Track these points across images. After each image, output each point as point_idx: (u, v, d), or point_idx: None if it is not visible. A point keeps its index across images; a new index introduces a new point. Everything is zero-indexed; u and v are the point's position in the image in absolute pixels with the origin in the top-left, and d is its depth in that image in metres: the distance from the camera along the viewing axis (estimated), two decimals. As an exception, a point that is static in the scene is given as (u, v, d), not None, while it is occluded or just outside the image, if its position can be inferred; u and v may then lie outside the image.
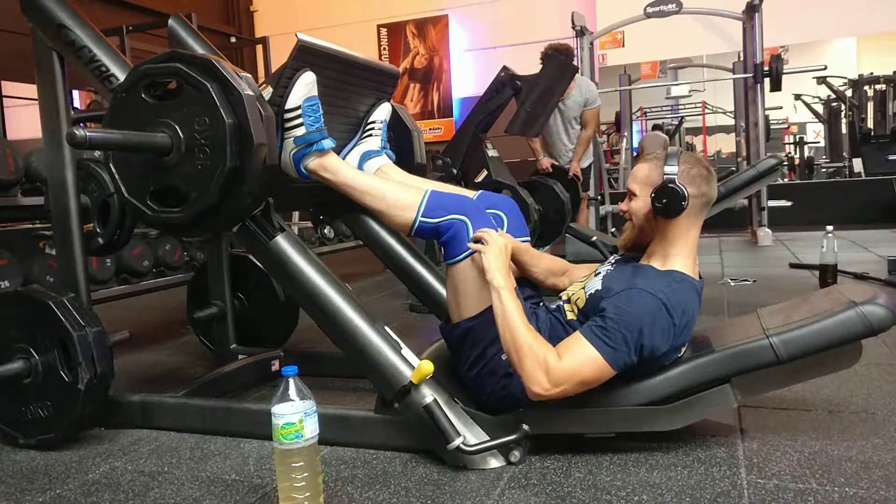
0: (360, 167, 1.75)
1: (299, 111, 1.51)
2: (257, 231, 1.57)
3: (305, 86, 1.52)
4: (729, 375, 1.40)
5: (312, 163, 1.54)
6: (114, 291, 2.72)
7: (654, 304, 1.36)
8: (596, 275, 1.53)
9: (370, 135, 1.78)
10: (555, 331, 1.48)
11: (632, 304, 1.36)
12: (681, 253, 1.47)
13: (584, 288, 1.52)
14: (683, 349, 1.47)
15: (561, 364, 1.33)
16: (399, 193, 1.54)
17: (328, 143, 1.54)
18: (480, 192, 1.73)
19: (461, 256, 1.45)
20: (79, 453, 1.62)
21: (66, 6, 1.72)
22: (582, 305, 1.48)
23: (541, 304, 1.62)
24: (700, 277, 1.49)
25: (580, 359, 1.34)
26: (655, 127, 9.99)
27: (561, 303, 1.57)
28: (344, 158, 1.78)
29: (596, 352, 1.33)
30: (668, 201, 1.43)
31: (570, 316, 1.51)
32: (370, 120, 1.79)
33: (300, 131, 1.52)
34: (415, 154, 2.01)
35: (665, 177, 1.44)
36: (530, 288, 1.66)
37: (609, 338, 1.34)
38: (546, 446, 1.48)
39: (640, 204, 1.49)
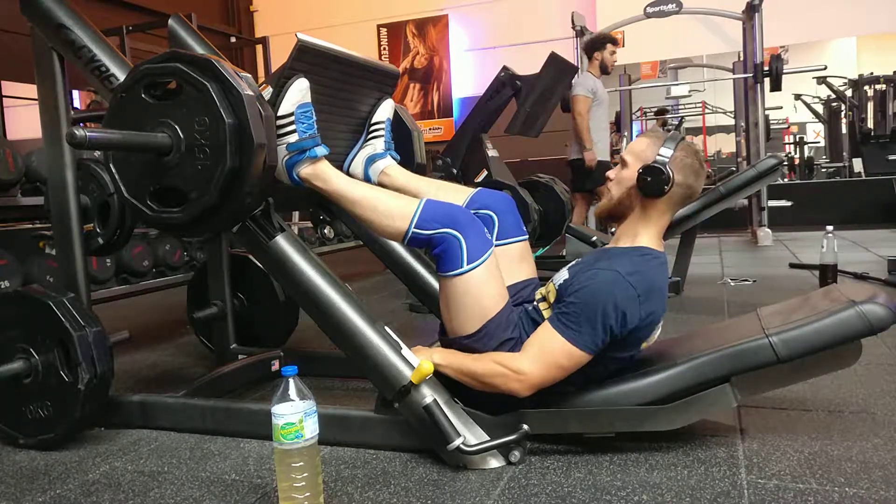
0: (365, 171, 1.74)
1: (292, 118, 1.50)
2: (257, 231, 1.57)
3: (299, 92, 1.51)
4: (729, 375, 1.41)
5: (305, 170, 1.52)
6: (114, 291, 2.72)
7: (614, 279, 1.38)
8: (563, 269, 1.55)
9: (374, 136, 1.77)
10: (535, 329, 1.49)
11: (591, 284, 1.40)
12: (648, 233, 1.52)
13: (553, 281, 1.54)
14: (659, 325, 1.49)
15: (527, 360, 1.40)
16: (390, 203, 1.52)
17: (321, 150, 1.52)
18: (478, 189, 1.72)
19: (453, 272, 1.44)
20: (79, 453, 1.62)
21: (65, 6, 1.72)
22: (553, 299, 1.49)
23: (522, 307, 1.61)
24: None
25: (545, 348, 1.40)
26: (661, 113, 9.53)
27: (536, 302, 1.57)
28: (350, 164, 1.77)
29: (560, 338, 1.39)
30: (652, 180, 1.47)
31: (546, 314, 1.51)
32: (373, 121, 1.78)
33: (293, 138, 1.50)
34: (415, 154, 2.01)
35: (658, 156, 1.48)
36: (531, 292, 1.66)
37: (572, 321, 1.38)
38: (546, 446, 1.48)
39: (627, 174, 1.53)
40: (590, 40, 4.67)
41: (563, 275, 1.52)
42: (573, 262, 1.55)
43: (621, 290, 1.37)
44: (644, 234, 1.52)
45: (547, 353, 1.39)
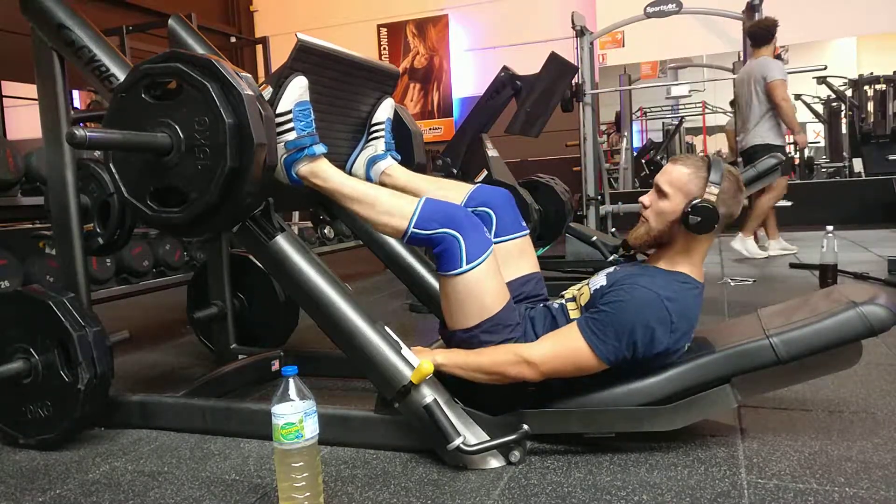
0: (367, 172, 1.75)
1: (290, 115, 1.50)
2: (257, 231, 1.57)
3: (297, 90, 1.50)
4: (729, 375, 1.41)
5: (303, 168, 1.52)
6: (114, 291, 2.72)
7: (652, 300, 1.37)
8: (601, 274, 1.54)
9: (375, 137, 1.77)
10: (555, 328, 1.49)
11: (629, 298, 1.38)
12: (689, 261, 1.49)
13: (588, 284, 1.53)
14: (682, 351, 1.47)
15: (542, 351, 1.41)
16: (390, 201, 1.52)
17: (319, 148, 1.52)
18: (477, 185, 1.72)
19: (453, 272, 1.44)
20: (79, 453, 1.62)
21: (66, 6, 1.72)
22: (585, 302, 1.49)
23: (540, 304, 1.61)
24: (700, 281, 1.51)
25: (566, 345, 1.40)
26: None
27: (564, 301, 1.57)
28: (352, 165, 1.78)
29: (583, 341, 1.38)
30: (702, 220, 1.42)
31: (573, 315, 1.51)
32: (374, 121, 1.78)
33: (291, 136, 1.50)
34: (415, 154, 2.01)
35: (706, 195, 1.43)
36: (535, 286, 1.66)
37: (600, 329, 1.38)
38: (546, 446, 1.48)
39: (669, 207, 1.47)
40: (765, 26, 4.57)
41: (600, 280, 1.50)
42: (612, 270, 1.53)
43: (656, 311, 1.36)
44: (684, 262, 1.49)
45: (565, 351, 1.40)
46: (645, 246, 1.56)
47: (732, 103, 4.83)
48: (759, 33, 4.57)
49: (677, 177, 1.47)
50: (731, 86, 6.76)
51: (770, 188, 4.46)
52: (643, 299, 1.37)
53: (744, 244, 4.52)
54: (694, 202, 1.43)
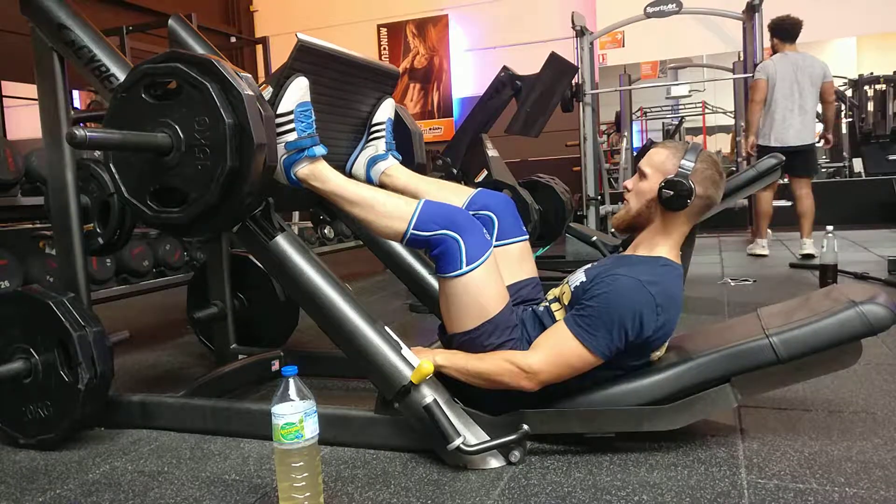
0: (367, 172, 1.74)
1: (291, 116, 1.49)
2: (257, 231, 1.57)
3: (298, 90, 1.50)
4: (729, 375, 1.41)
5: (302, 170, 1.52)
6: (114, 291, 2.72)
7: (634, 286, 1.38)
8: (579, 271, 1.55)
9: (375, 137, 1.77)
10: (543, 331, 1.50)
11: (612, 289, 1.39)
12: (667, 244, 1.52)
13: (567, 283, 1.54)
14: (671, 336, 1.48)
15: (537, 358, 1.41)
16: (389, 203, 1.51)
17: (319, 149, 1.51)
18: (478, 189, 1.72)
19: (452, 273, 1.44)
20: (79, 453, 1.62)
21: (66, 6, 1.72)
22: (568, 301, 1.49)
23: (529, 308, 1.61)
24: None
25: (558, 348, 1.40)
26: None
27: (548, 303, 1.57)
28: (352, 166, 1.77)
29: (575, 339, 1.39)
30: (674, 194, 1.46)
31: (558, 315, 1.51)
32: (374, 121, 1.78)
33: (291, 137, 1.50)
34: (415, 154, 2.01)
35: (679, 169, 1.47)
36: (532, 290, 1.66)
37: (588, 324, 1.38)
38: (546, 446, 1.48)
39: (647, 187, 1.52)
40: (794, 22, 4.50)
41: (578, 277, 1.51)
42: (590, 265, 1.54)
43: (641, 297, 1.37)
44: (663, 245, 1.52)
45: (559, 353, 1.40)
46: (625, 226, 1.59)
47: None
48: (795, 28, 4.49)
49: (655, 159, 1.53)
50: (732, 86, 6.76)
51: (806, 189, 4.47)
52: (626, 287, 1.39)
53: (815, 247, 4.43)
54: (667, 177, 1.47)
